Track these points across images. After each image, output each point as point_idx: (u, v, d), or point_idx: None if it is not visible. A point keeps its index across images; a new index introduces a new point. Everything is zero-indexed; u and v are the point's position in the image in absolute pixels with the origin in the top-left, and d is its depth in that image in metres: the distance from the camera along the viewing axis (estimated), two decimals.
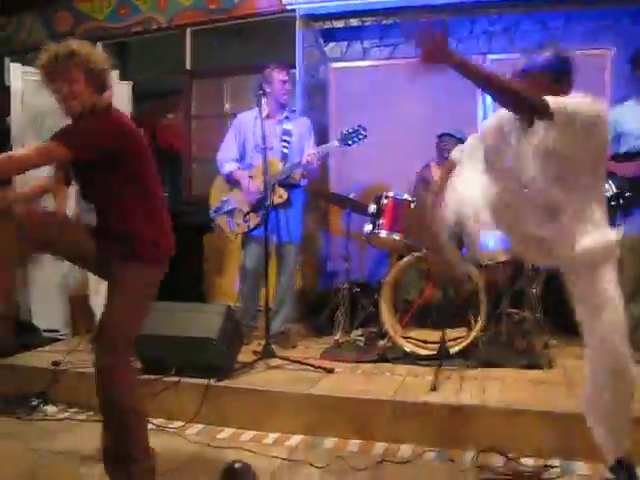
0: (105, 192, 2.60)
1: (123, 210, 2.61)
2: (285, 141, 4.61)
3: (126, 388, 2.58)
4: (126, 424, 2.58)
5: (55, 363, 3.95)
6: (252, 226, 4.54)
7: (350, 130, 4.44)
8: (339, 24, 5.48)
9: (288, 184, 4.54)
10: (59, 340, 4.84)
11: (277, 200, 4.47)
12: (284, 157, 4.56)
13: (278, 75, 4.57)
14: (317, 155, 4.47)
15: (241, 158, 4.68)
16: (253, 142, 4.58)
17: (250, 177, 4.51)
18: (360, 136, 4.43)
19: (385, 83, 5.37)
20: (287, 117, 4.65)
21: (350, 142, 4.45)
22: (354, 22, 5.45)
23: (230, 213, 4.64)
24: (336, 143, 4.49)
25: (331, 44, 5.59)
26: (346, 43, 5.54)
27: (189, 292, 5.03)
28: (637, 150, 3.85)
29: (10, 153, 2.50)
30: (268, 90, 4.55)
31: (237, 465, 2.73)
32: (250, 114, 4.67)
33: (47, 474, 2.97)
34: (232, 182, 4.64)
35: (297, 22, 5.53)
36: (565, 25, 5.03)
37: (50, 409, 3.76)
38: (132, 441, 2.59)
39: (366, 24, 5.44)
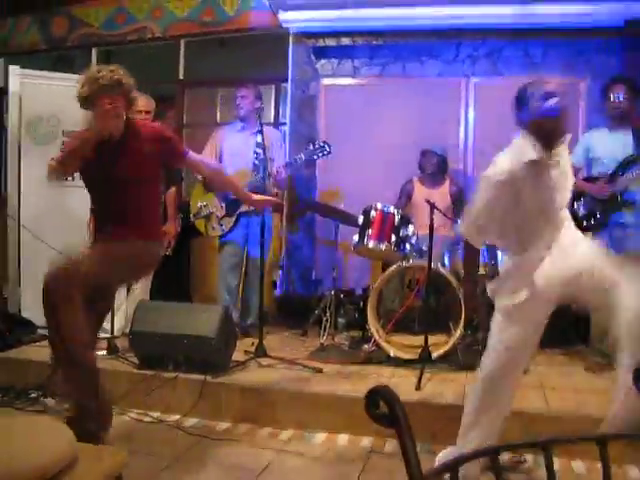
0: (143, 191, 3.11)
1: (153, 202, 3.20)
2: (257, 153, 4.91)
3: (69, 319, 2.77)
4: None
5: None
6: (226, 230, 4.93)
7: (316, 146, 4.77)
8: (331, 42, 5.75)
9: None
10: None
11: (246, 207, 4.79)
12: (255, 168, 4.85)
13: (236, 92, 5.02)
14: (286, 168, 4.77)
15: None
16: (227, 155, 5.01)
17: None
18: (325, 151, 4.74)
19: (373, 101, 5.65)
20: (259, 130, 4.91)
21: (315, 156, 4.78)
22: (345, 41, 5.71)
23: (207, 217, 4.98)
24: (303, 156, 4.79)
25: (322, 61, 5.84)
26: (337, 61, 5.80)
27: (176, 292, 5.23)
28: (604, 174, 4.15)
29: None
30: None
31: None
32: (228, 127, 5.19)
33: None
34: (208, 187, 4.97)
35: (290, 38, 5.77)
36: (544, 53, 5.36)
37: (49, 401, 3.90)
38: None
39: (357, 44, 5.71)
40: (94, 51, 6.59)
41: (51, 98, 5.32)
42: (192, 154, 3.30)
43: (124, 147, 3.04)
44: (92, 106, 2.99)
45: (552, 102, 2.55)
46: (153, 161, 3.12)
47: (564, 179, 2.70)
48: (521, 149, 2.61)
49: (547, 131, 2.58)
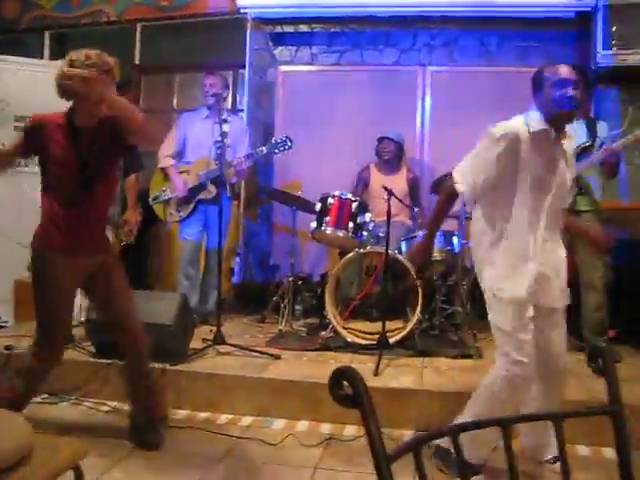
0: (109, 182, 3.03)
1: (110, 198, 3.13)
2: (219, 142, 4.85)
3: None
4: None
5: (8, 347, 4.02)
6: (184, 216, 4.94)
7: (278, 140, 4.80)
8: (289, 29, 5.75)
9: (220, 182, 4.77)
10: (2, 327, 4.87)
11: (206, 195, 4.84)
12: (218, 157, 4.81)
13: (204, 79, 4.96)
14: (247, 159, 4.78)
15: (181, 155, 5.04)
16: (191, 142, 4.98)
17: (182, 172, 4.93)
18: (286, 146, 4.78)
19: (331, 88, 5.67)
20: (225, 119, 4.88)
21: (276, 151, 4.81)
22: (303, 28, 5.73)
23: (167, 202, 5.00)
24: (264, 150, 4.80)
25: (280, 48, 5.84)
26: (295, 48, 5.80)
27: (137, 281, 5.16)
28: None
29: None
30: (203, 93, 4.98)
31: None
32: (193, 114, 5.12)
33: None
34: (167, 176, 5.00)
35: (248, 24, 5.73)
36: (499, 43, 5.45)
37: None
38: None
39: (315, 31, 5.72)
40: (47, 34, 6.43)
41: (1, 82, 5.19)
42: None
43: (98, 136, 2.91)
44: (78, 95, 2.83)
45: (564, 92, 2.58)
46: (111, 149, 2.96)
47: (564, 167, 2.71)
48: (530, 120, 2.65)
49: (557, 117, 2.64)
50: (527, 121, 2.64)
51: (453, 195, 2.76)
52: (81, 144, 2.89)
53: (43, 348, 3.02)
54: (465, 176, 2.68)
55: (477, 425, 1.04)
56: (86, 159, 2.89)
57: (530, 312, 2.62)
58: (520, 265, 2.63)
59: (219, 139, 4.85)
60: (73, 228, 2.94)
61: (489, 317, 2.73)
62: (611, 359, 1.09)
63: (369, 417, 0.79)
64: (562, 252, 2.78)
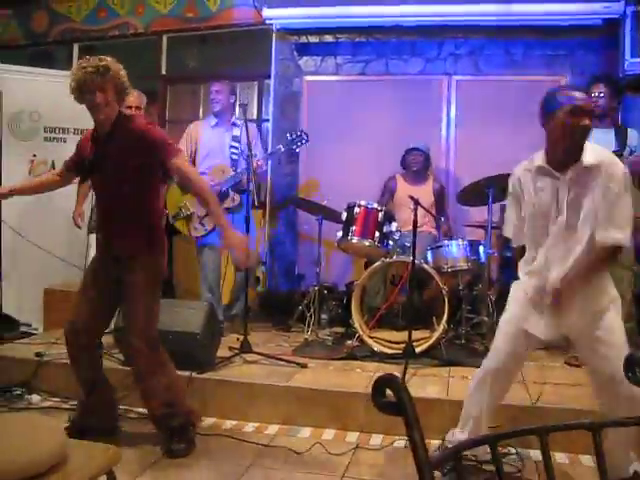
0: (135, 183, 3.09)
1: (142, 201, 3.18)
2: (234, 147, 4.91)
3: None
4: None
5: (38, 354, 4.08)
6: (209, 229, 4.84)
7: (294, 135, 4.76)
8: (314, 39, 5.78)
9: (239, 189, 4.81)
10: (32, 334, 4.94)
11: (230, 204, 4.80)
12: (234, 163, 4.86)
13: (211, 87, 4.98)
14: (265, 160, 4.78)
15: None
16: (203, 151, 4.95)
17: None
18: (303, 140, 4.74)
19: (356, 97, 5.69)
20: (234, 124, 4.93)
21: (294, 146, 4.77)
22: (328, 38, 5.76)
23: (188, 218, 4.92)
24: (282, 148, 4.78)
25: (305, 58, 5.86)
26: (320, 58, 5.83)
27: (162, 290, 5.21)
28: None
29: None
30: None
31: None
32: (200, 123, 5.14)
33: None
34: (184, 190, 4.85)
35: (274, 35, 5.78)
36: (525, 52, 5.43)
37: (34, 398, 3.89)
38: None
39: (340, 41, 5.75)
40: (75, 47, 6.54)
41: (33, 94, 5.30)
42: (179, 165, 3.09)
43: (112, 141, 3.04)
44: (80, 98, 2.98)
45: (578, 121, 2.49)
46: (135, 161, 3.03)
47: (577, 198, 2.58)
48: (535, 156, 2.65)
49: (564, 148, 2.56)
50: (533, 158, 2.66)
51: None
52: (98, 148, 3.07)
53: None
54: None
55: (516, 433, 1.04)
56: (100, 161, 3.04)
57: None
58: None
59: (234, 144, 4.90)
60: (105, 225, 3.18)
61: None
62: None
63: (413, 424, 0.80)
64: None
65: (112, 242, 3.15)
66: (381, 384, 0.87)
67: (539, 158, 2.63)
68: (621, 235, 2.52)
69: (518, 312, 2.78)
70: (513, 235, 2.85)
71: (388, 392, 0.87)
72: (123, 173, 3.03)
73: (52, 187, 3.40)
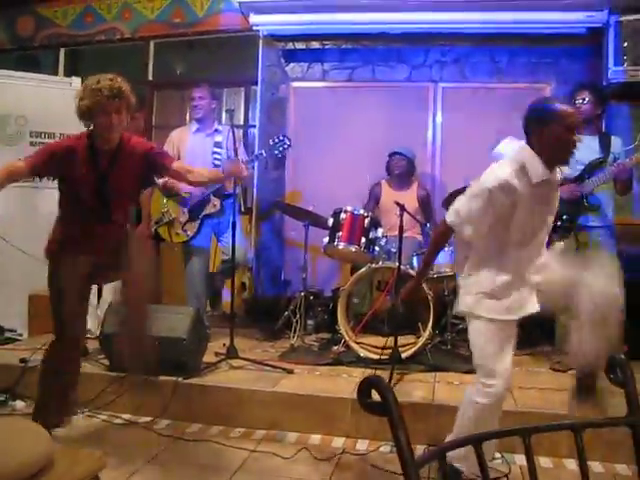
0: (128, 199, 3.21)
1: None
2: (216, 153, 4.90)
3: None
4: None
5: (23, 360, 4.05)
6: (190, 235, 4.84)
7: (276, 140, 4.67)
8: (301, 46, 5.80)
9: (220, 194, 4.82)
10: (17, 340, 4.90)
11: (211, 209, 4.81)
12: (216, 168, 4.82)
13: (192, 93, 4.97)
14: (248, 164, 4.76)
15: None
16: (186, 157, 4.86)
17: None
18: (285, 145, 4.63)
19: (342, 104, 5.72)
20: (216, 130, 4.92)
21: (276, 151, 4.67)
22: (315, 45, 5.78)
23: (170, 224, 4.91)
24: (264, 152, 4.71)
25: (292, 64, 5.89)
26: (307, 64, 5.85)
27: None
28: (570, 177, 4.24)
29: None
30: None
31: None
32: (182, 130, 5.11)
33: None
34: (167, 193, 4.89)
35: (260, 41, 5.80)
36: (510, 60, 5.48)
37: (18, 404, 3.86)
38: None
39: (326, 47, 5.78)
40: (62, 51, 6.52)
41: (19, 98, 5.27)
42: (175, 164, 3.27)
43: (118, 159, 3.06)
44: (93, 119, 2.98)
45: (573, 138, 2.57)
46: (138, 176, 3.16)
47: (554, 197, 2.76)
48: (526, 164, 2.61)
49: (560, 158, 2.64)
50: (521, 166, 2.60)
51: (448, 236, 2.83)
52: (100, 164, 3.04)
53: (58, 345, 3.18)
54: (458, 213, 2.71)
55: (499, 434, 1.06)
56: (105, 178, 3.02)
57: None
58: None
59: (216, 150, 4.88)
60: (89, 242, 3.08)
61: None
62: (630, 370, 1.11)
63: (398, 424, 0.81)
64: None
65: (95, 245, 3.11)
66: (367, 385, 0.88)
67: (541, 171, 2.60)
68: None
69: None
70: (475, 233, 2.72)
71: (374, 394, 0.88)
72: (125, 187, 3.10)
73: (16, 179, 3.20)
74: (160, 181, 4.76)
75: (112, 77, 2.95)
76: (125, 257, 3.08)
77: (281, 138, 4.68)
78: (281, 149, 4.67)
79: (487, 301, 2.72)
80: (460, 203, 2.72)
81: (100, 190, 3.03)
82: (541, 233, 2.76)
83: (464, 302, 2.83)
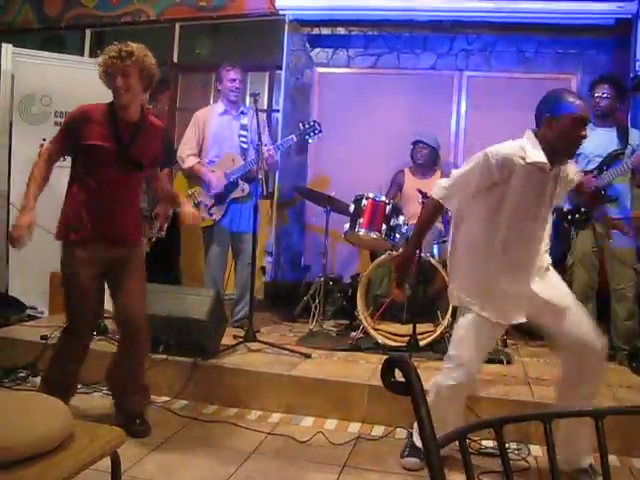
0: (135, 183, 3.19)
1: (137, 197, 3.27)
2: (243, 136, 4.81)
3: None
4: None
5: (44, 337, 4.11)
6: (216, 219, 4.77)
7: (307, 125, 4.67)
8: (326, 31, 5.79)
9: (248, 178, 4.76)
10: (38, 317, 4.97)
11: (239, 193, 4.75)
12: (243, 152, 4.77)
13: (227, 74, 4.77)
14: (277, 150, 4.74)
15: (199, 154, 4.85)
16: (211, 138, 4.81)
17: (212, 171, 4.75)
18: (316, 131, 4.65)
19: (367, 90, 5.70)
20: (242, 112, 4.86)
21: (306, 137, 4.68)
22: (341, 30, 5.77)
23: (196, 207, 4.77)
24: (294, 138, 4.71)
25: (317, 49, 5.88)
26: (332, 50, 5.84)
27: (166, 274, 5.20)
28: (590, 169, 4.20)
29: None
30: (219, 88, 4.85)
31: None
32: (208, 110, 4.96)
33: None
34: (193, 177, 4.82)
35: (286, 26, 5.78)
36: (536, 49, 5.43)
37: (38, 380, 3.91)
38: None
39: (352, 33, 5.76)
40: (88, 32, 6.56)
41: (44, 78, 5.31)
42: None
43: (139, 132, 3.07)
44: (107, 82, 2.98)
45: (580, 132, 2.57)
46: (156, 151, 3.19)
47: (552, 191, 2.73)
48: (525, 145, 2.63)
49: (564, 151, 2.64)
50: (522, 147, 2.63)
51: (433, 210, 2.91)
52: (122, 135, 3.03)
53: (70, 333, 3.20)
54: (447, 190, 2.78)
55: (520, 418, 1.06)
56: (126, 147, 3.03)
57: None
58: None
59: (242, 133, 4.83)
60: (106, 215, 3.08)
61: None
62: None
63: (420, 403, 0.82)
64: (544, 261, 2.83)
65: (112, 229, 3.11)
66: (391, 364, 0.88)
67: (537, 153, 2.61)
68: None
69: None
70: (452, 200, 2.81)
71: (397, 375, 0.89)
72: (143, 164, 3.10)
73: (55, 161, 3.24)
74: (186, 165, 4.78)
75: (128, 43, 2.93)
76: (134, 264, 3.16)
77: (312, 124, 4.66)
78: (312, 134, 4.66)
79: (479, 300, 2.75)
80: (446, 179, 2.82)
81: (121, 160, 3.03)
82: (534, 226, 2.72)
83: (458, 298, 2.86)
